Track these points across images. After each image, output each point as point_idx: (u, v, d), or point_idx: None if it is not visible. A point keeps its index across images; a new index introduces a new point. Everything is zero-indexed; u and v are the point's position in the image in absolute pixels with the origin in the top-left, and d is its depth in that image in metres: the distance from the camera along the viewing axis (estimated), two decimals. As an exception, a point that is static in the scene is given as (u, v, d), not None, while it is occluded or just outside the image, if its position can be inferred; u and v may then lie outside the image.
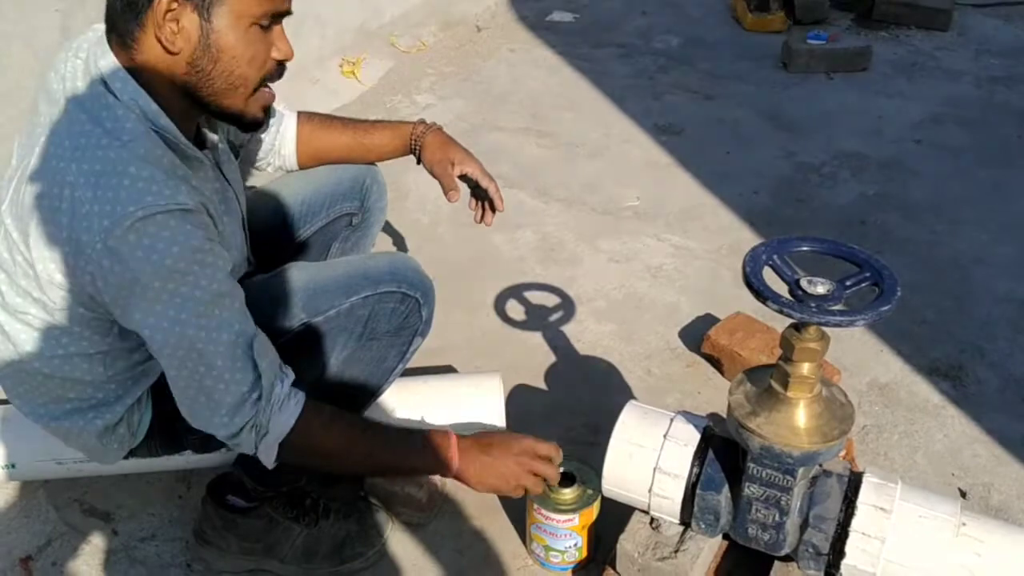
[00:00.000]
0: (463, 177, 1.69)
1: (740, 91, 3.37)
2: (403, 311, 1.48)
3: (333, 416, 1.34)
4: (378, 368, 1.51)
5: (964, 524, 1.27)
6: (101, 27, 1.25)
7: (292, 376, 1.31)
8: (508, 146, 2.99)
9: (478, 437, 1.43)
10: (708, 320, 2.20)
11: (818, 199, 2.72)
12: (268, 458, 1.31)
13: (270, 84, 1.31)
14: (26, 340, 1.29)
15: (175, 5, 1.16)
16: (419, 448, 1.39)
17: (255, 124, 1.34)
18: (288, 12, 1.28)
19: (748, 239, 2.53)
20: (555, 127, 3.14)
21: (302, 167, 1.72)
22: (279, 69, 1.29)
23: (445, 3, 3.90)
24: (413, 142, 1.71)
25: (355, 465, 1.43)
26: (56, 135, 1.19)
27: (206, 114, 1.31)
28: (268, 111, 1.33)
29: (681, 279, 2.39)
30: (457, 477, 1.40)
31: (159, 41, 1.18)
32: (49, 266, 1.20)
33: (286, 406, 1.28)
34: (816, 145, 2.99)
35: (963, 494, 1.77)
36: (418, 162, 1.73)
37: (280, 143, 1.68)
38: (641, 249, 2.51)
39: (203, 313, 1.18)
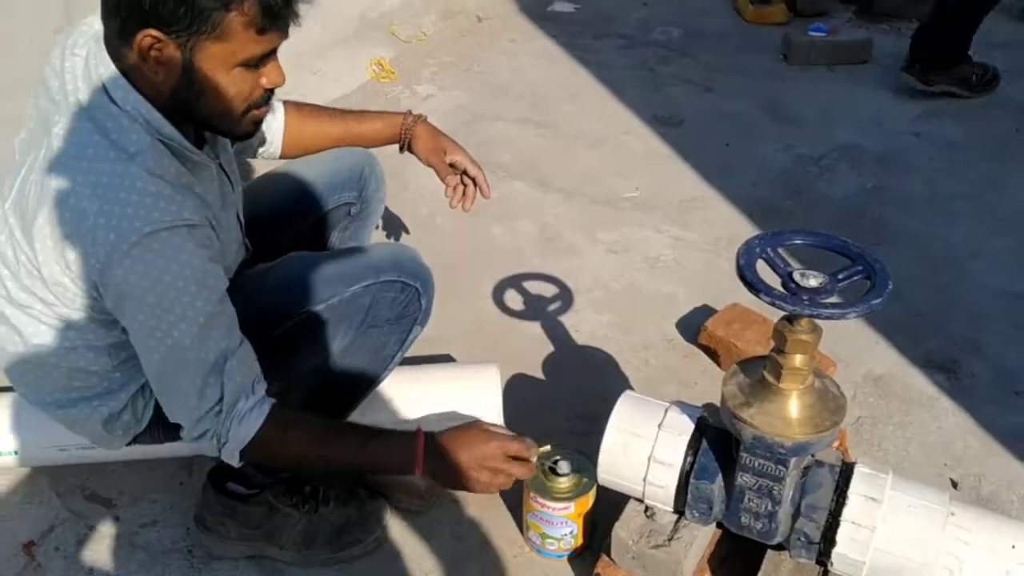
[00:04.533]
0: (452, 165, 1.74)
1: (740, 83, 3.37)
2: (403, 300, 1.50)
3: (294, 426, 1.35)
4: (378, 356, 1.53)
5: (953, 514, 1.29)
6: (95, 22, 1.24)
7: (262, 390, 1.32)
8: (508, 136, 3.00)
9: (450, 436, 1.40)
10: (705, 311, 2.21)
11: (816, 192, 2.74)
12: (232, 461, 1.34)
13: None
14: (33, 333, 1.31)
15: (158, 42, 1.15)
16: (383, 453, 1.39)
17: (245, 137, 1.36)
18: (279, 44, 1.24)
19: (746, 231, 2.54)
20: (555, 118, 3.14)
21: (284, 157, 1.74)
22: (267, 94, 1.27)
23: (447, -7, 3.90)
24: (403, 132, 1.75)
25: (319, 469, 1.47)
26: (60, 140, 1.20)
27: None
28: (259, 124, 1.33)
29: (679, 270, 2.40)
30: (429, 476, 1.41)
31: (142, 70, 1.18)
32: (54, 268, 1.22)
33: (247, 419, 1.30)
34: (815, 138, 3.00)
35: (955, 484, 1.79)
36: (402, 151, 1.78)
37: (265, 130, 1.69)
38: (640, 240, 2.52)
39: (194, 333, 1.21)
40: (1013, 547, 1.25)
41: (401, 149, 1.77)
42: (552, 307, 2.27)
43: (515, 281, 2.33)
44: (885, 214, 2.61)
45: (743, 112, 3.18)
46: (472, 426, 1.41)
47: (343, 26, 3.43)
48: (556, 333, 2.18)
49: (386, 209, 2.43)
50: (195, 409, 1.27)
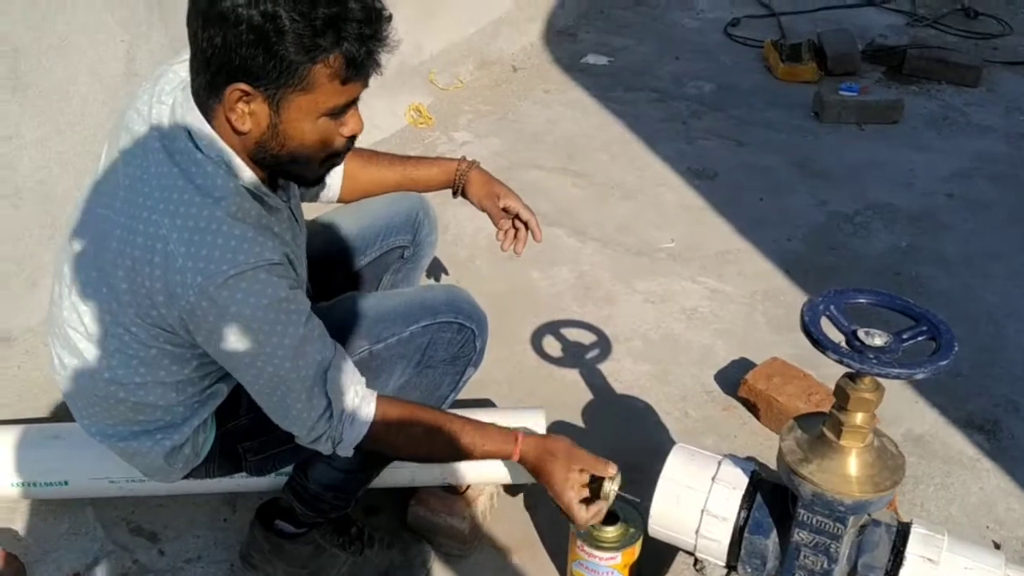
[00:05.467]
0: (505, 210, 1.77)
1: (772, 138, 3.42)
2: (459, 341, 1.53)
3: (402, 421, 1.40)
4: (432, 396, 1.54)
5: (1011, 577, 1.29)
6: (181, 70, 1.27)
7: (363, 387, 1.37)
8: (544, 185, 3.04)
9: (544, 444, 1.46)
10: (743, 364, 2.22)
11: (851, 249, 2.76)
12: (346, 455, 1.39)
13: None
14: (104, 367, 1.33)
15: (247, 95, 1.18)
16: (483, 446, 1.44)
17: (316, 183, 1.42)
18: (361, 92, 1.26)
19: (782, 285, 2.56)
20: (590, 168, 3.19)
21: (343, 200, 1.77)
22: (348, 143, 1.30)
23: (483, 43, 3.98)
24: (458, 178, 1.78)
25: (424, 458, 1.51)
26: (145, 184, 1.23)
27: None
28: (332, 170, 1.37)
29: (716, 322, 2.42)
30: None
31: (228, 121, 1.21)
32: (140, 307, 1.24)
33: (356, 421, 1.35)
34: (848, 195, 3.03)
35: (997, 547, 1.78)
36: (455, 196, 1.80)
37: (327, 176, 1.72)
38: (677, 291, 2.54)
39: (290, 356, 1.25)
40: (1073, 614, 1.25)
41: (455, 194, 1.80)
42: (591, 355, 2.28)
43: (554, 327, 2.35)
44: (921, 273, 2.62)
45: (776, 167, 3.22)
46: (563, 444, 1.47)
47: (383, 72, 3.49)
48: (595, 381, 2.19)
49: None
50: (306, 420, 1.32)
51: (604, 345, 2.31)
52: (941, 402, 2.14)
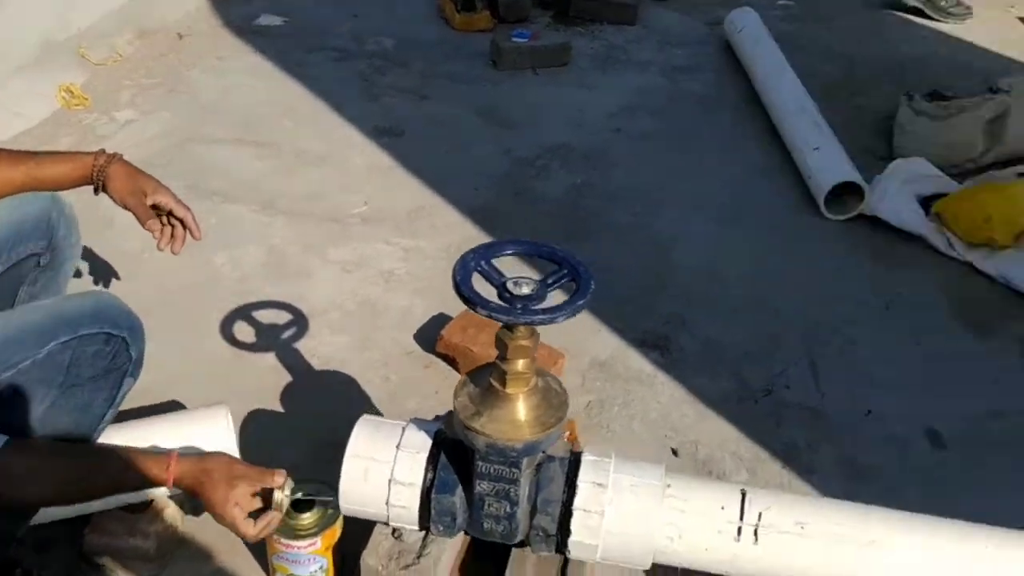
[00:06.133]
0: (155, 207, 1.62)
1: (455, 90, 3.47)
2: (109, 352, 1.40)
3: (32, 462, 1.25)
4: (84, 416, 1.40)
5: (669, 486, 1.41)
6: None
7: None
8: (223, 159, 2.87)
9: (200, 465, 1.36)
10: (442, 320, 2.25)
11: (534, 191, 2.88)
12: None
13: None
14: None
15: None
16: (132, 481, 1.33)
17: None
18: None
19: (473, 235, 2.62)
20: (273, 137, 3.05)
21: None
22: None
23: (140, 10, 3.65)
24: (96, 173, 1.60)
25: (68, 502, 1.39)
26: None
27: None
28: None
29: (413, 281, 2.43)
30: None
31: None
32: None
33: None
34: (528, 140, 3.15)
35: (675, 452, 1.96)
36: (97, 193, 1.62)
37: None
38: (372, 255, 2.52)
39: None
40: (723, 508, 1.39)
41: (96, 191, 1.62)
42: (286, 335, 2.20)
43: (243, 312, 2.24)
44: (596, 207, 2.80)
45: (460, 118, 3.28)
46: (220, 462, 1.37)
47: (23, 52, 3.10)
48: (292, 361, 2.12)
49: (88, 252, 2.25)
50: None
51: (300, 323, 2.24)
52: (620, 327, 2.30)
